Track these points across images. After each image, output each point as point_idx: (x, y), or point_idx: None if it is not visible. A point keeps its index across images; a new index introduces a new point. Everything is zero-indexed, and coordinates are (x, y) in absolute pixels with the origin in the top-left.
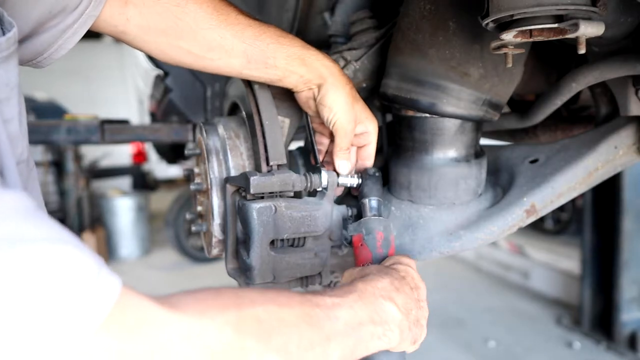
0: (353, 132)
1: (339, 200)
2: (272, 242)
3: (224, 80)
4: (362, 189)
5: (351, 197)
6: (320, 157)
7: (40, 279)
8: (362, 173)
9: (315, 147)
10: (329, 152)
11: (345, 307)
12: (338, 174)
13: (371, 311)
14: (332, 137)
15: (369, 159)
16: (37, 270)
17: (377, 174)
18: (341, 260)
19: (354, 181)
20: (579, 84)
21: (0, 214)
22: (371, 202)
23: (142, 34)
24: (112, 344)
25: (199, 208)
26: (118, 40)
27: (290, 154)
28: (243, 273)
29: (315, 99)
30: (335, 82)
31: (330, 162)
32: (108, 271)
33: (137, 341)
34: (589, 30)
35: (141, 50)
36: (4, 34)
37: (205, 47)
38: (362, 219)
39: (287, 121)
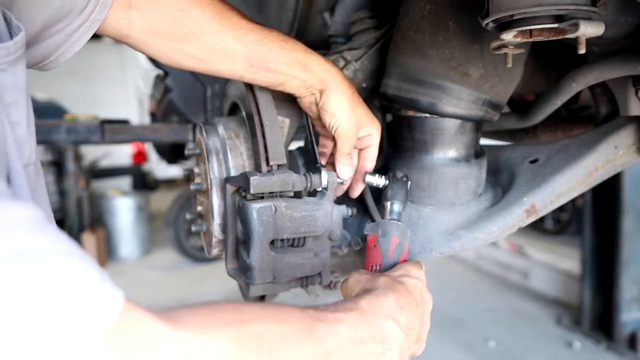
0: (355, 137)
1: (339, 200)
2: (272, 242)
3: (224, 80)
4: (387, 192)
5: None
6: (323, 160)
7: (46, 291)
8: (389, 175)
9: (315, 147)
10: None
11: (347, 323)
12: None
13: (373, 330)
14: (334, 140)
15: (370, 160)
16: (43, 282)
17: (404, 179)
18: (341, 260)
19: (381, 182)
20: (579, 84)
21: (11, 226)
22: (393, 205)
23: (146, 37)
24: (114, 357)
25: (199, 208)
26: (122, 43)
27: (290, 154)
28: (243, 273)
29: (317, 104)
30: (337, 87)
31: (332, 165)
32: (111, 284)
33: (138, 356)
34: (589, 30)
35: (144, 53)
36: (11, 37)
37: (208, 51)
38: (380, 220)
39: (287, 121)
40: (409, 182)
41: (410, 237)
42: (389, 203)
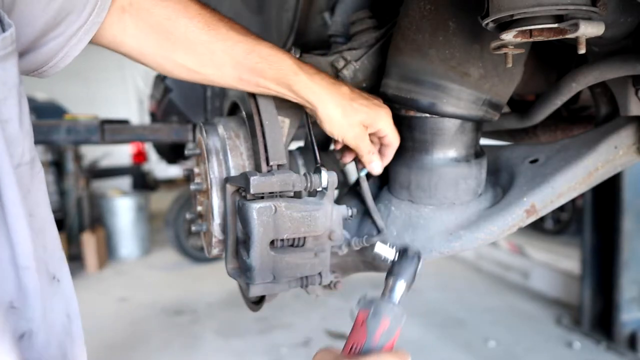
0: (365, 138)
1: (338, 201)
2: (272, 242)
3: None
4: (394, 266)
5: (351, 197)
6: (338, 146)
7: None
8: (401, 250)
9: (315, 147)
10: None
11: None
12: (370, 174)
13: None
14: None
15: (392, 145)
16: None
17: (416, 258)
18: (341, 260)
19: (390, 254)
20: (579, 84)
21: None
22: (396, 284)
23: (139, 45)
24: None
25: (199, 208)
26: (119, 52)
27: (290, 154)
28: (243, 273)
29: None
30: (327, 107)
31: (347, 154)
32: None
33: None
34: (589, 30)
35: (142, 63)
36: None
37: (198, 61)
38: (377, 298)
39: (287, 121)
40: (421, 262)
41: (410, 237)
42: (392, 280)
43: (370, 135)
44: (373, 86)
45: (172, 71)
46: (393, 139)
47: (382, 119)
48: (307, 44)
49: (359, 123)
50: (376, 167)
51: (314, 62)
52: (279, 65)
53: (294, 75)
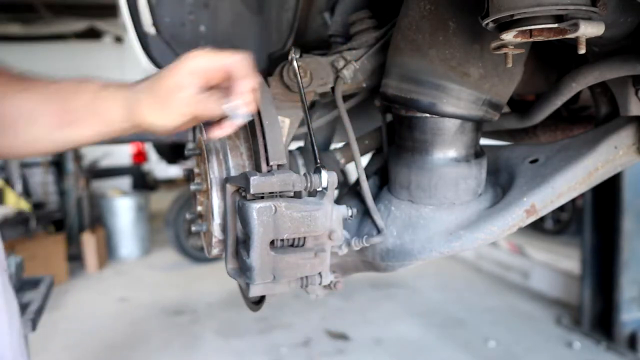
0: (193, 104)
1: (339, 200)
2: (272, 242)
3: None
4: None
5: (351, 197)
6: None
7: None
8: None
9: (316, 147)
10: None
11: None
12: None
13: None
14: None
15: (231, 69)
16: None
17: None
18: (341, 260)
19: None
20: (579, 84)
21: None
22: None
23: None
24: None
25: (199, 208)
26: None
27: (290, 154)
28: (243, 273)
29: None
30: (135, 117)
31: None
32: None
33: None
34: (589, 30)
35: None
36: None
37: (5, 122)
38: None
39: (287, 121)
40: None
41: (410, 237)
42: None
43: (211, 90)
44: (373, 86)
45: (10, 148)
46: (219, 62)
47: (184, 69)
48: (307, 44)
49: (172, 90)
50: (226, 106)
51: (314, 62)
52: (83, 93)
53: (98, 95)
